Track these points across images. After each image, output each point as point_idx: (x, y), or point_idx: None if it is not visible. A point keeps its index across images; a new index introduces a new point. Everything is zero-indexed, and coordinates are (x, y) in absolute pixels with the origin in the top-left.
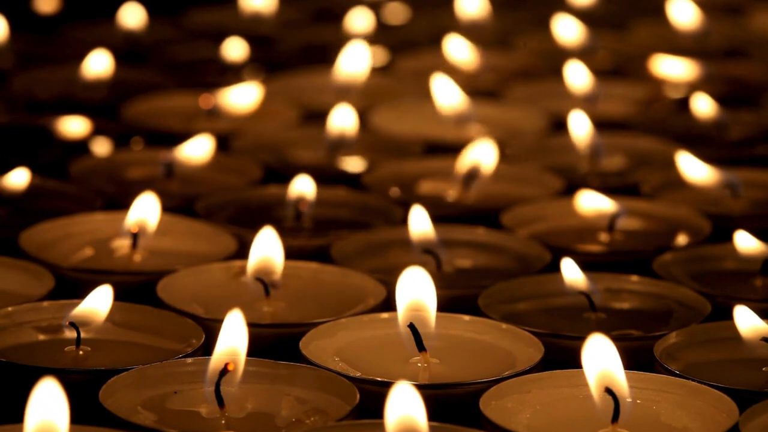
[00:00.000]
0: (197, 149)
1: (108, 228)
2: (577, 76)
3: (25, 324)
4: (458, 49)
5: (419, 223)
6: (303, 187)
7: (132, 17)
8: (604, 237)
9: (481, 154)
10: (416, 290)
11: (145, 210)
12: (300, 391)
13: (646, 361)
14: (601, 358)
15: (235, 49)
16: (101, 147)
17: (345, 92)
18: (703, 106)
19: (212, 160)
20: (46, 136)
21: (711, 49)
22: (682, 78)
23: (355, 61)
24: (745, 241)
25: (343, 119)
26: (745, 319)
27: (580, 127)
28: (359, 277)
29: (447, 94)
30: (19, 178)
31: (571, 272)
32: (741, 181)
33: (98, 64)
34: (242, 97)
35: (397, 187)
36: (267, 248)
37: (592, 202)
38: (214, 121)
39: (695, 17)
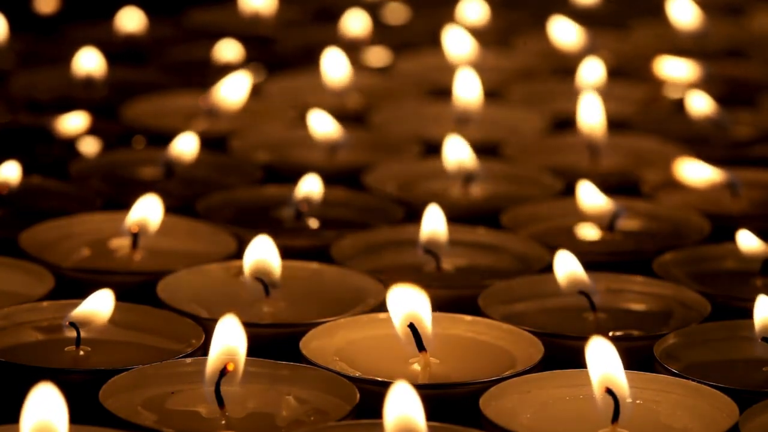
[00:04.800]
0: (187, 146)
1: (108, 228)
2: (590, 74)
3: (25, 324)
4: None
5: (432, 223)
6: (310, 186)
7: (130, 21)
8: (604, 237)
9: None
10: (409, 306)
11: (147, 210)
12: (300, 391)
13: (646, 361)
14: (602, 361)
15: (234, 49)
16: (101, 147)
17: (339, 95)
18: (703, 106)
19: (212, 160)
20: (46, 136)
21: (711, 49)
22: (682, 78)
23: (335, 68)
24: (747, 240)
25: (328, 122)
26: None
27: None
28: (359, 277)
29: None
30: (11, 172)
31: (566, 267)
32: (741, 181)
33: (90, 62)
34: (234, 93)
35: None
36: (263, 253)
37: (592, 198)
38: (214, 120)
39: (695, 17)
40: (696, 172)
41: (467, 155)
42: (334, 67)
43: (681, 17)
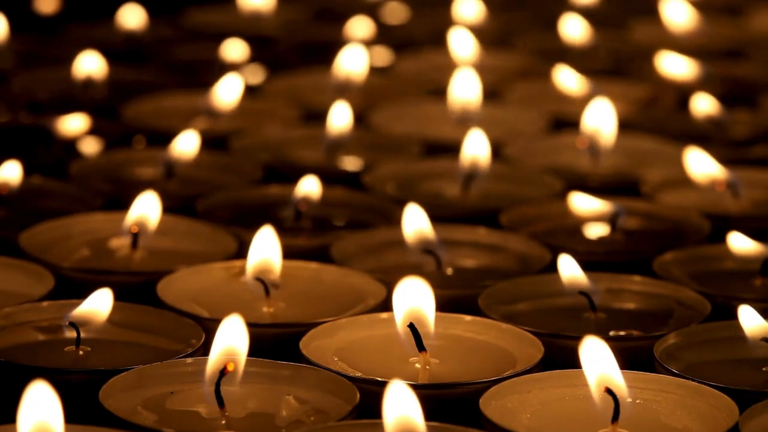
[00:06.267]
0: (188, 145)
1: (108, 228)
2: (569, 78)
3: (25, 324)
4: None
5: (416, 222)
6: (309, 187)
7: (131, 17)
8: (604, 237)
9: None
10: (414, 300)
11: (146, 209)
12: (300, 391)
13: (646, 361)
14: (597, 360)
15: (235, 49)
16: (101, 147)
17: (344, 92)
18: (703, 106)
19: (212, 160)
20: (46, 136)
21: (711, 49)
22: (682, 78)
23: (354, 62)
24: (739, 242)
25: (341, 119)
26: (749, 319)
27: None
28: (359, 277)
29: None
30: (11, 172)
31: (569, 269)
32: (741, 181)
33: (90, 63)
34: (229, 94)
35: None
36: (266, 249)
37: (585, 203)
38: (214, 120)
39: (694, 17)
40: (701, 167)
41: (485, 153)
42: (355, 64)
43: (680, 17)
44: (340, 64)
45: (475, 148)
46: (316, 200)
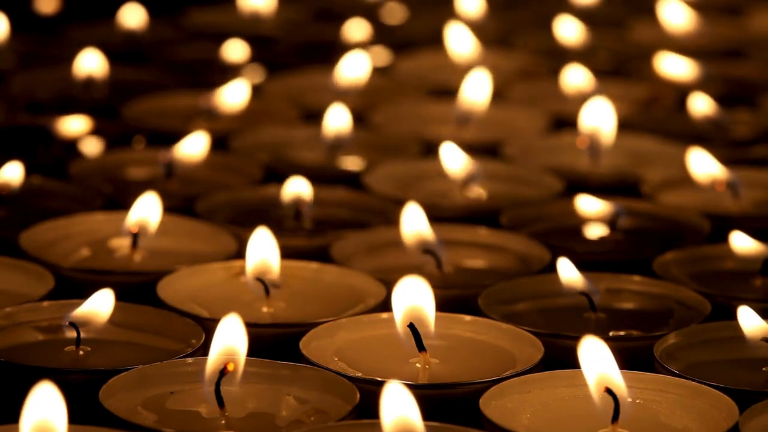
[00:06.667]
0: (194, 147)
1: (108, 228)
2: (576, 77)
3: (25, 324)
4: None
5: (415, 222)
6: (298, 188)
7: (132, 17)
8: (604, 237)
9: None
10: (413, 299)
11: (146, 210)
12: (300, 391)
13: (646, 361)
14: (597, 360)
15: (235, 49)
16: (101, 147)
17: (344, 93)
18: (703, 106)
19: (212, 160)
20: (46, 136)
21: (711, 49)
22: (682, 78)
23: (355, 66)
24: (741, 242)
25: (340, 119)
26: (749, 320)
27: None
28: (359, 277)
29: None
30: (13, 173)
31: (567, 272)
32: (741, 181)
33: (90, 63)
34: (234, 97)
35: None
36: (263, 249)
37: (591, 206)
38: (214, 120)
39: (694, 17)
40: (701, 167)
41: (463, 159)
42: (356, 68)
43: (680, 17)
44: (341, 67)
45: (450, 159)
46: (308, 200)
